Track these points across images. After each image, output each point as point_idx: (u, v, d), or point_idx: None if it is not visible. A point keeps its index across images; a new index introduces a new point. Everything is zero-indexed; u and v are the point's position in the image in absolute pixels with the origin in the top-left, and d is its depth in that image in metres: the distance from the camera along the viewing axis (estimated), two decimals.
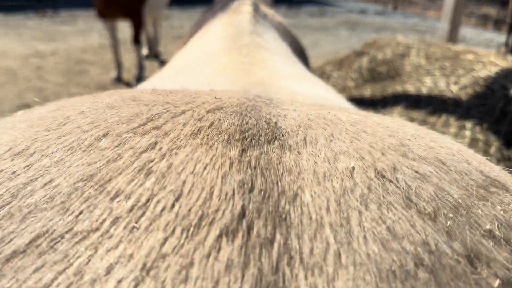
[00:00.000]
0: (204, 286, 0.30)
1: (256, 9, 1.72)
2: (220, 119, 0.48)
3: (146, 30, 6.60)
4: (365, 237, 0.35)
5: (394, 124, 0.56)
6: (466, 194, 0.43)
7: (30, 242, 0.33)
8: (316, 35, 9.28)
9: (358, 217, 0.37)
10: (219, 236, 0.34)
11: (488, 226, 0.40)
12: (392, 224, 0.37)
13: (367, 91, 3.66)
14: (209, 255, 0.32)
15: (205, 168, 0.40)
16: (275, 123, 0.50)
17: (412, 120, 2.87)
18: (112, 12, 5.19)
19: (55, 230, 0.34)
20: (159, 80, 1.20)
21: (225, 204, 0.36)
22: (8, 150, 0.44)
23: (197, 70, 1.18)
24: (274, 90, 0.92)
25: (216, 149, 0.43)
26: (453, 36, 4.98)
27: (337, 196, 0.39)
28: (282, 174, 0.41)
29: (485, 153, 2.49)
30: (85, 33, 8.93)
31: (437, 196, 0.41)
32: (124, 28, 7.97)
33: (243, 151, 0.43)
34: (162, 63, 6.48)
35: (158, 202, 0.36)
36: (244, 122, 0.49)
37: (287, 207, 0.37)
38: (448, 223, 0.39)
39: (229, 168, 0.40)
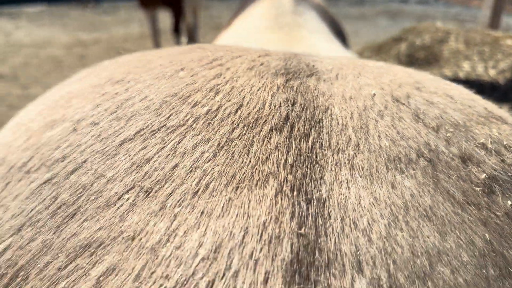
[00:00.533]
0: (260, 158, 0.43)
1: None
2: (269, 61, 0.61)
3: (186, 19, 6.83)
4: (379, 136, 0.47)
5: (416, 72, 0.66)
6: (467, 119, 0.53)
7: (135, 133, 0.47)
8: (355, 25, 9.20)
9: (375, 124, 0.48)
10: (270, 130, 0.46)
11: (482, 140, 0.50)
12: (401, 130, 0.48)
13: None
14: (264, 139, 0.45)
15: (258, 89, 0.52)
16: (313, 65, 0.62)
17: None
18: (153, 2, 5.41)
19: (153, 125, 0.48)
20: None
21: (274, 111, 0.49)
22: (108, 81, 0.58)
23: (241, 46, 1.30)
24: None
25: (267, 78, 0.55)
26: (494, 23, 4.84)
27: (359, 110, 0.50)
28: (317, 96, 0.53)
29: None
30: (126, 23, 9.28)
31: (441, 117, 0.52)
32: (165, 18, 8.24)
33: (287, 80, 0.55)
34: None
35: (225, 108, 0.49)
36: (288, 63, 0.61)
37: (320, 115, 0.49)
38: (448, 134, 0.49)
39: (277, 90, 0.52)
